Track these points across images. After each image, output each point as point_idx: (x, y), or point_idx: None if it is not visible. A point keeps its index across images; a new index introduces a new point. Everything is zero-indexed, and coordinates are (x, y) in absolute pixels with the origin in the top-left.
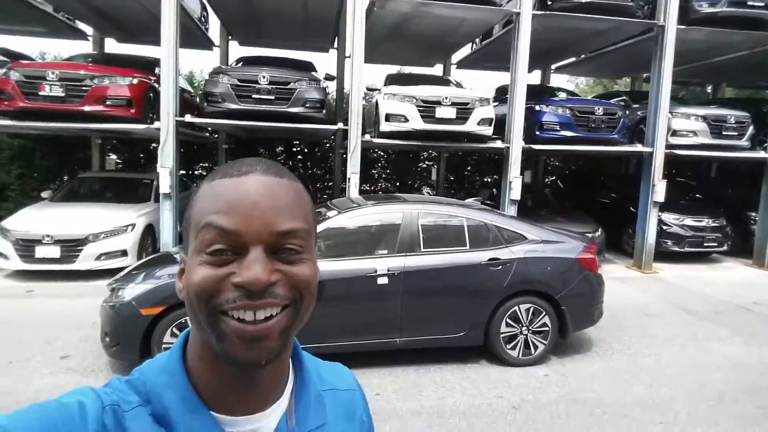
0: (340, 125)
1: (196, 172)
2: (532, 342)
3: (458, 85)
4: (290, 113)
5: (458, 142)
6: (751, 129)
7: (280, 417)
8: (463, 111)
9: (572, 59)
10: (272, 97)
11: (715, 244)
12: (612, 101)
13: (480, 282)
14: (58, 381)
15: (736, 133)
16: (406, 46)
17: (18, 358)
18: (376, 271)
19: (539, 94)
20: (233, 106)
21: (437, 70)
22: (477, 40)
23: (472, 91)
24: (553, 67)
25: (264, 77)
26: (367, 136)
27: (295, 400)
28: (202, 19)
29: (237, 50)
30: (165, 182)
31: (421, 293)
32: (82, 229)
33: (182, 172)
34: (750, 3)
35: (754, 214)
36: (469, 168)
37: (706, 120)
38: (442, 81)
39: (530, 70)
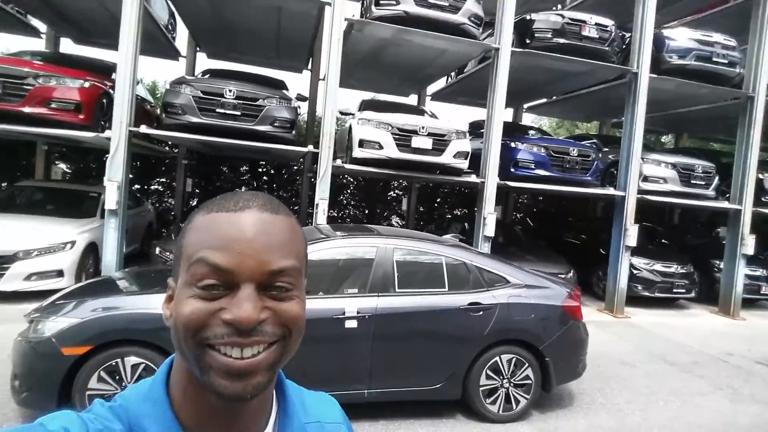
0: (311, 148)
1: (152, 187)
2: (514, 396)
3: (433, 116)
4: (257, 131)
5: (432, 173)
6: (716, 179)
7: None
8: (440, 142)
9: (544, 99)
10: (238, 113)
11: (683, 291)
12: (584, 143)
13: (459, 329)
14: None
15: (703, 183)
16: (383, 74)
17: None
18: (344, 313)
19: (512, 131)
20: (194, 120)
21: (412, 100)
22: (452, 74)
23: (450, 123)
24: (525, 106)
25: (230, 91)
26: (339, 161)
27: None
28: (169, 27)
29: (205, 63)
30: (112, 197)
31: (394, 339)
32: (12, 244)
33: (137, 186)
34: (714, 60)
35: (717, 261)
36: (438, 200)
37: (676, 168)
38: (418, 111)
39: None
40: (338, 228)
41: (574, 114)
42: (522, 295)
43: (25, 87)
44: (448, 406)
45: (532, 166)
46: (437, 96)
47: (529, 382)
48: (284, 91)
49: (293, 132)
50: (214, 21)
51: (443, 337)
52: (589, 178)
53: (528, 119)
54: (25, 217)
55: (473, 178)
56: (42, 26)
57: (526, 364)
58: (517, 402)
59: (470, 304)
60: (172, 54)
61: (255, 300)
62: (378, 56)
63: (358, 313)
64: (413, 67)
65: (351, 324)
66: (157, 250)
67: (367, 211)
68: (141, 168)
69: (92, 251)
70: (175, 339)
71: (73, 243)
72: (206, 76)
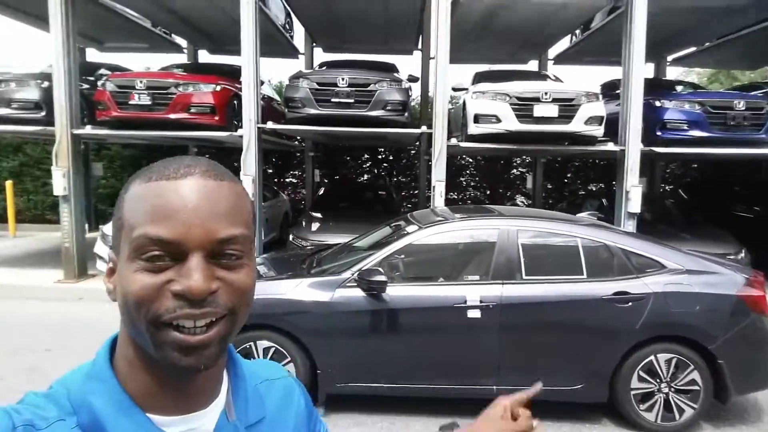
0: (424, 129)
1: (287, 180)
2: (676, 403)
3: (557, 80)
4: (370, 117)
5: (561, 144)
6: None
7: (219, 414)
8: (567, 108)
9: (693, 48)
10: (351, 101)
11: None
12: (754, 93)
13: (602, 322)
14: None
15: None
16: (496, 42)
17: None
18: (465, 302)
19: (655, 88)
20: (313, 111)
21: (531, 66)
22: (576, 31)
23: (578, 85)
24: (670, 58)
25: (343, 80)
26: (454, 141)
27: (233, 396)
28: (287, 26)
29: (321, 57)
30: (249, 190)
31: (524, 332)
32: None
33: (275, 179)
34: None
35: None
36: (569, 175)
37: None
38: (539, 76)
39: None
40: (456, 210)
41: (733, 62)
42: (683, 283)
43: (169, 96)
44: (592, 409)
45: (685, 127)
46: (560, 59)
47: (695, 388)
48: (395, 74)
49: (406, 114)
50: (325, 14)
51: (583, 331)
52: (764, 136)
53: (674, 73)
54: None
55: (610, 147)
56: (183, 42)
57: (691, 367)
58: (681, 411)
59: (616, 293)
60: (292, 52)
61: (205, 269)
62: (489, 23)
63: (481, 302)
64: (530, 29)
65: (474, 314)
66: (291, 237)
67: (488, 192)
68: (278, 162)
69: None
70: (126, 315)
71: None
72: (323, 68)
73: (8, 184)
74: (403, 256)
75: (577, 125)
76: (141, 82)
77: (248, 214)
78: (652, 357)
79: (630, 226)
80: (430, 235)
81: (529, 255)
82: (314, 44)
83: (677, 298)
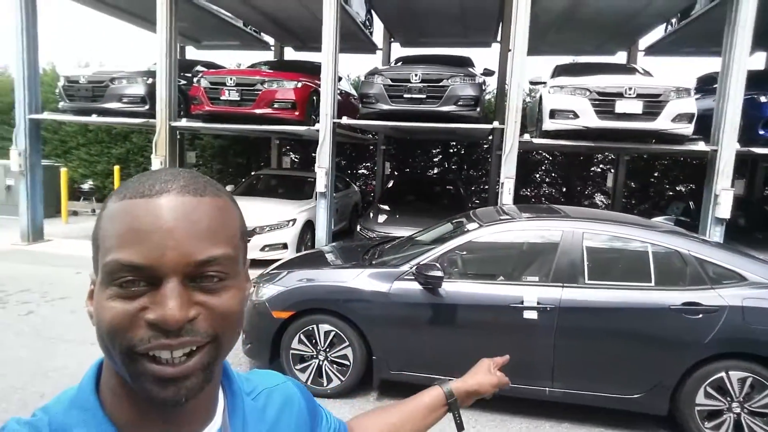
0: (496, 124)
1: (359, 172)
2: (749, 426)
3: (646, 74)
4: (441, 112)
5: (645, 142)
6: None
7: None
8: (653, 104)
9: None
10: (423, 96)
11: None
12: None
13: (668, 332)
14: None
15: None
16: (581, 33)
17: None
18: (522, 302)
19: (763, 81)
20: (385, 107)
21: (620, 58)
22: (673, 20)
23: (665, 80)
24: None
25: (416, 75)
26: (527, 136)
27: (229, 415)
28: (366, 23)
29: (399, 52)
30: (321, 181)
31: (582, 337)
32: (252, 221)
33: (348, 171)
34: None
35: None
36: (656, 174)
37: None
38: (626, 69)
39: (751, 52)
40: (523, 209)
41: None
42: (765, 298)
43: (255, 92)
44: (650, 421)
45: None
46: (653, 49)
47: None
48: (469, 69)
49: (477, 109)
50: (403, 9)
51: (645, 340)
52: None
53: None
54: (261, 199)
55: (701, 146)
56: (271, 40)
57: None
58: None
59: (685, 303)
60: (371, 48)
61: (181, 295)
62: (574, 13)
63: (538, 303)
64: (618, 18)
65: (530, 314)
66: (358, 227)
67: (564, 189)
68: (351, 154)
69: (309, 228)
70: (101, 344)
71: (294, 221)
72: (399, 64)
73: (116, 168)
74: (462, 253)
75: (663, 123)
76: (231, 79)
77: (233, 230)
78: (722, 374)
79: (717, 232)
80: (490, 234)
81: (593, 259)
82: (392, 39)
83: (757, 314)
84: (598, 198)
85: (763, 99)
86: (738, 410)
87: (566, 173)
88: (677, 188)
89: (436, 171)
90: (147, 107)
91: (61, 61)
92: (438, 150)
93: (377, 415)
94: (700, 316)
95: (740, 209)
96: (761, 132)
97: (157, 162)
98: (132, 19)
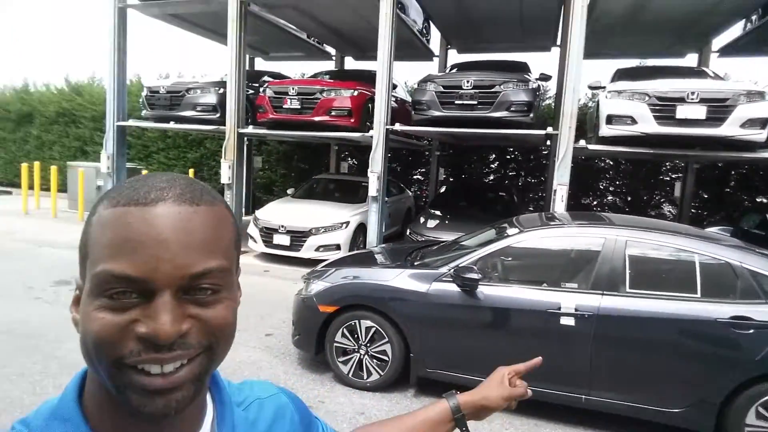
0: (550, 130)
1: (414, 177)
2: None
3: (717, 77)
4: (493, 118)
5: (710, 150)
6: None
7: None
8: (719, 109)
9: None
10: (474, 102)
11: None
12: None
13: (714, 347)
14: (256, 357)
15: None
16: (646, 34)
17: (238, 328)
18: (560, 308)
19: None
20: (436, 113)
21: (690, 60)
22: (753, 16)
23: (734, 83)
24: None
25: (468, 82)
26: (582, 142)
27: (218, 427)
28: (423, 30)
29: (456, 58)
30: (373, 186)
31: (621, 346)
32: (308, 222)
33: (404, 177)
34: None
35: None
36: (732, 184)
37: None
38: (694, 73)
39: None
40: (567, 216)
41: None
42: None
43: (314, 100)
44: None
45: None
46: (729, 50)
47: None
48: (524, 74)
49: (531, 115)
50: (459, 15)
51: (690, 353)
52: None
53: None
54: (318, 202)
55: None
56: (332, 50)
57: None
58: None
59: (734, 318)
60: (427, 55)
61: (174, 309)
62: (637, 14)
63: (576, 310)
64: (687, 17)
65: (567, 321)
66: (408, 231)
67: (629, 199)
68: (407, 160)
69: (362, 230)
70: (85, 354)
71: (347, 223)
72: (453, 71)
73: (191, 171)
74: (501, 258)
75: (729, 129)
76: (293, 89)
77: (228, 241)
78: None
79: None
80: (530, 239)
81: (636, 267)
82: (449, 46)
83: None
84: (667, 208)
85: None
86: None
87: (631, 182)
88: (758, 199)
89: (492, 177)
90: (218, 115)
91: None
92: (494, 156)
93: (379, 426)
94: (752, 331)
95: None
96: None
97: (225, 166)
98: (206, 33)
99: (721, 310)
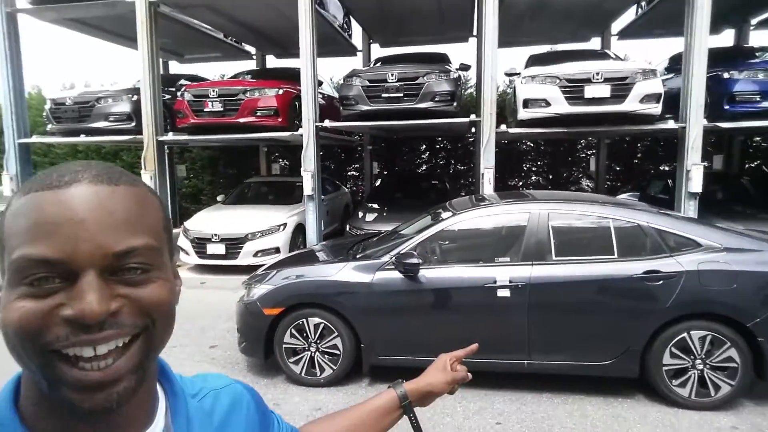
0: (473, 117)
1: (348, 173)
2: (711, 380)
3: (617, 58)
4: (419, 109)
5: (617, 125)
6: None
7: None
8: (620, 87)
9: None
10: (400, 95)
11: None
12: None
13: (633, 300)
14: (203, 370)
15: None
16: (554, 21)
17: (180, 344)
18: (495, 282)
19: (732, 58)
20: (364, 108)
21: (595, 44)
22: (643, 2)
23: (632, 63)
24: (754, 21)
25: (392, 75)
26: (503, 127)
27: (173, 419)
28: (344, 26)
29: (379, 52)
30: (308, 185)
31: (553, 310)
32: (243, 228)
33: (339, 173)
34: None
35: None
36: (639, 155)
37: None
38: (598, 55)
39: (718, 30)
40: (495, 196)
41: None
42: (719, 261)
43: (238, 101)
44: (626, 385)
45: (757, 99)
46: (626, 33)
47: (733, 365)
48: (444, 65)
49: (455, 104)
50: (379, 10)
51: (613, 309)
52: None
53: (763, 39)
54: (252, 206)
55: (670, 124)
56: (252, 49)
57: (728, 344)
58: (717, 388)
59: (646, 272)
60: (351, 51)
61: (100, 288)
62: (544, 3)
63: (510, 282)
64: (588, 4)
65: (503, 293)
66: (348, 227)
67: (551, 177)
68: (341, 157)
69: (300, 231)
70: (11, 350)
71: (284, 225)
72: (378, 65)
73: None
74: (439, 241)
75: (631, 104)
76: (213, 90)
77: (154, 220)
78: (684, 334)
79: (691, 206)
80: (463, 221)
81: (559, 237)
82: (371, 41)
83: (711, 276)
84: (585, 183)
85: (726, 75)
86: (701, 366)
87: (551, 161)
88: (660, 168)
89: (424, 167)
90: (134, 124)
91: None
92: (425, 147)
93: (329, 420)
94: (661, 282)
95: (718, 183)
96: (726, 107)
97: (146, 177)
98: (113, 38)
99: (635, 267)
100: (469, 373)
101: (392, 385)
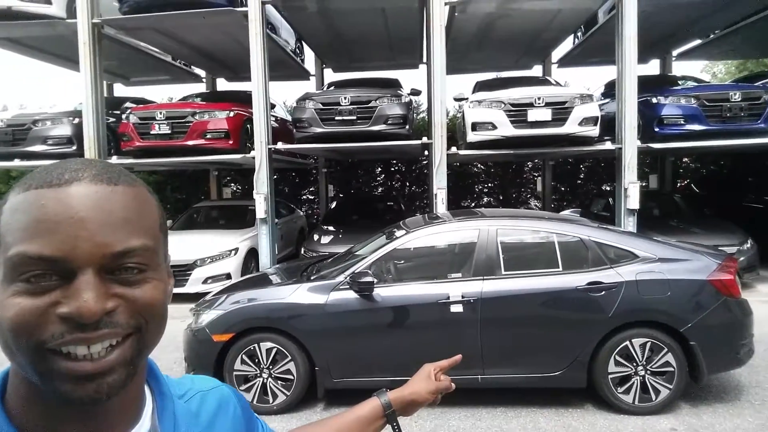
0: (424, 140)
1: (303, 197)
2: (652, 385)
3: (558, 84)
4: (372, 132)
5: (558, 146)
6: None
7: None
8: (561, 111)
9: (698, 41)
10: (353, 117)
11: None
12: (756, 84)
13: (578, 311)
14: None
15: None
16: (498, 50)
17: None
18: (448, 297)
19: (659, 85)
20: (318, 130)
21: (536, 72)
22: (579, 33)
23: (571, 89)
24: (675, 53)
25: (345, 98)
26: (454, 149)
27: (159, 418)
28: (297, 51)
29: (332, 77)
30: (261, 208)
31: (504, 324)
32: (191, 254)
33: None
34: None
35: None
36: (582, 176)
37: None
38: (539, 81)
39: (645, 60)
40: (446, 215)
41: (744, 51)
42: (654, 271)
43: (186, 124)
44: (576, 395)
45: (681, 122)
46: (565, 61)
47: (670, 369)
48: (396, 90)
49: (407, 127)
50: (330, 37)
51: (559, 320)
52: (762, 125)
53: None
54: (201, 231)
55: (607, 146)
56: (202, 72)
57: (665, 349)
58: (657, 392)
59: (589, 283)
60: (303, 75)
61: (97, 287)
62: (488, 33)
63: (462, 297)
64: (528, 35)
65: (456, 308)
66: (303, 250)
67: (501, 197)
68: (295, 180)
69: (253, 255)
70: (4, 347)
71: (236, 250)
72: (331, 88)
73: None
74: (393, 259)
75: (570, 127)
76: (160, 113)
77: (152, 221)
78: (627, 342)
79: (630, 222)
80: (417, 238)
81: (508, 252)
82: (324, 66)
83: (648, 285)
84: (533, 203)
85: (654, 100)
86: (642, 373)
87: (501, 182)
88: (603, 187)
89: (380, 190)
90: (74, 148)
91: None
92: (380, 170)
93: (312, 429)
94: (603, 293)
95: (654, 200)
96: (656, 129)
97: None
98: (54, 59)
99: (579, 279)
100: (452, 383)
101: (376, 394)
